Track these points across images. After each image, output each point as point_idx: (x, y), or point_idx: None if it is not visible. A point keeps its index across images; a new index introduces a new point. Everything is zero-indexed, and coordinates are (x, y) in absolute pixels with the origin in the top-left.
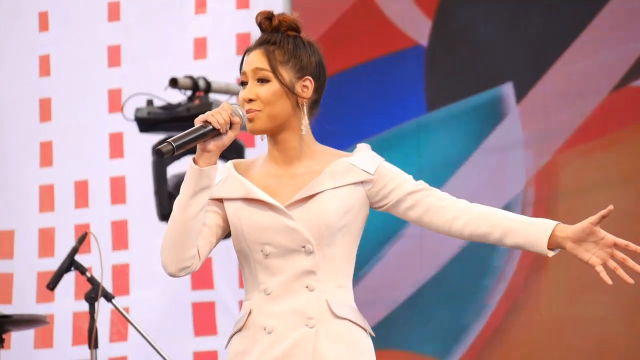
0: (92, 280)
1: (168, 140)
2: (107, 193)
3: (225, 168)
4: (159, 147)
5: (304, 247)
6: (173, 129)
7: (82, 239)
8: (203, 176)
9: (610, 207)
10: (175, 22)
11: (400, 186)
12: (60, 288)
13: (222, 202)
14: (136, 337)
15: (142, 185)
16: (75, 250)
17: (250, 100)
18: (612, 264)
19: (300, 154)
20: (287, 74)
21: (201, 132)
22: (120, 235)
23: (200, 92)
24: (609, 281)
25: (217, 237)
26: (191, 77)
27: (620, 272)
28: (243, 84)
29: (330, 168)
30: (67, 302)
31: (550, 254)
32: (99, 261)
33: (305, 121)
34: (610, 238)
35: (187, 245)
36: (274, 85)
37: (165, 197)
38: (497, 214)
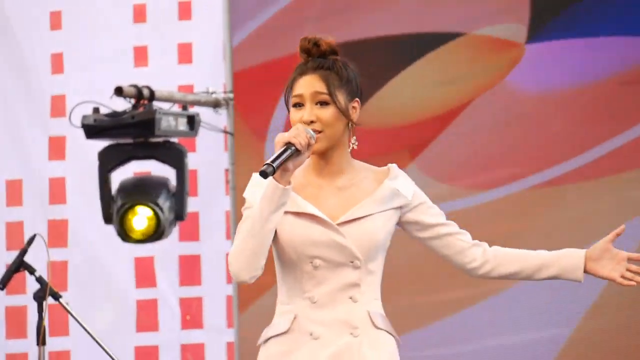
0: (40, 280)
1: (268, 162)
2: (45, 193)
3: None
4: (262, 169)
5: (352, 262)
6: (118, 135)
7: (31, 240)
8: (285, 194)
9: (623, 226)
10: (115, 30)
11: (430, 213)
12: None
13: None
14: (78, 332)
15: (83, 187)
16: (24, 252)
17: (312, 122)
18: (628, 274)
19: (344, 169)
20: (342, 97)
21: (289, 152)
22: (59, 234)
23: (144, 100)
24: (633, 284)
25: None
26: (135, 86)
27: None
28: (296, 105)
29: (379, 192)
30: None
31: (582, 279)
32: (43, 261)
33: (354, 139)
34: (624, 253)
35: (263, 255)
36: (333, 109)
37: (107, 202)
38: (523, 253)
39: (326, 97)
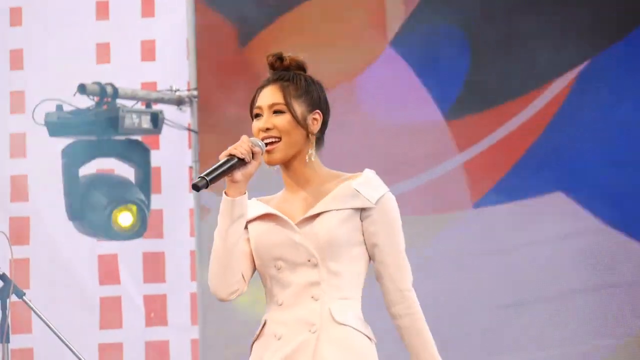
0: (3, 277)
1: (201, 175)
2: (7, 191)
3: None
4: (195, 182)
5: (309, 260)
6: (82, 133)
7: None
8: (235, 205)
9: None
10: (77, 27)
11: (386, 236)
12: None
13: (247, 228)
14: (42, 329)
15: (45, 184)
16: None
17: (268, 129)
18: None
19: (309, 179)
20: (299, 107)
21: (229, 164)
22: (21, 231)
23: (107, 98)
24: None
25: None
26: (99, 84)
27: None
28: (257, 116)
29: (337, 191)
30: None
31: None
32: (5, 258)
33: (312, 150)
34: None
35: (233, 271)
36: (289, 116)
37: (76, 199)
38: (416, 344)
39: (282, 106)
